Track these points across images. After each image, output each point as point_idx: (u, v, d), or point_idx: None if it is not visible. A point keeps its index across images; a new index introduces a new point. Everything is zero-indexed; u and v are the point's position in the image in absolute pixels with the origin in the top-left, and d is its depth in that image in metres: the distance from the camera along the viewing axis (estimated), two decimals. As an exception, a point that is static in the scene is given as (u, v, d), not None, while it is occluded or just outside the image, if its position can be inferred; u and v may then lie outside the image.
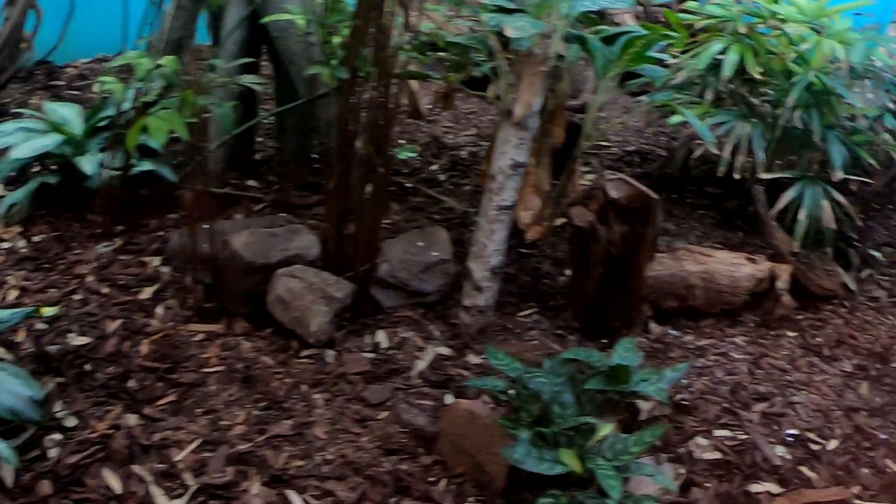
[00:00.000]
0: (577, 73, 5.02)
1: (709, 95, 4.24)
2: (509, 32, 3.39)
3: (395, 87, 3.62)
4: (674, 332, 3.93)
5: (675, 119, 4.30)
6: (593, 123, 3.94)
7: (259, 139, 4.93)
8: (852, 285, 4.40)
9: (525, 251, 4.11)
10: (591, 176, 4.71)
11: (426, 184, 4.57)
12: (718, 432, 3.44)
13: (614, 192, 3.62)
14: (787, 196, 4.12)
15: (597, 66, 3.82)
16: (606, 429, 3.01)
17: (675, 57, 4.49)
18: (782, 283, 4.00)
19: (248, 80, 3.76)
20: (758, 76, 4.10)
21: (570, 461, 2.85)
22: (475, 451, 3.06)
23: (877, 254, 4.70)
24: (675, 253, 4.01)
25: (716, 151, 3.97)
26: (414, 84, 4.86)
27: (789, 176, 4.19)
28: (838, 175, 4.11)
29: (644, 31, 3.86)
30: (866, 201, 4.84)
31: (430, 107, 5.41)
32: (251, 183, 4.49)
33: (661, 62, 4.19)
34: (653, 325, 3.94)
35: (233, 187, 4.38)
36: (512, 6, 3.62)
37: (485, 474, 3.03)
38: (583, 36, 3.82)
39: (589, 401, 3.18)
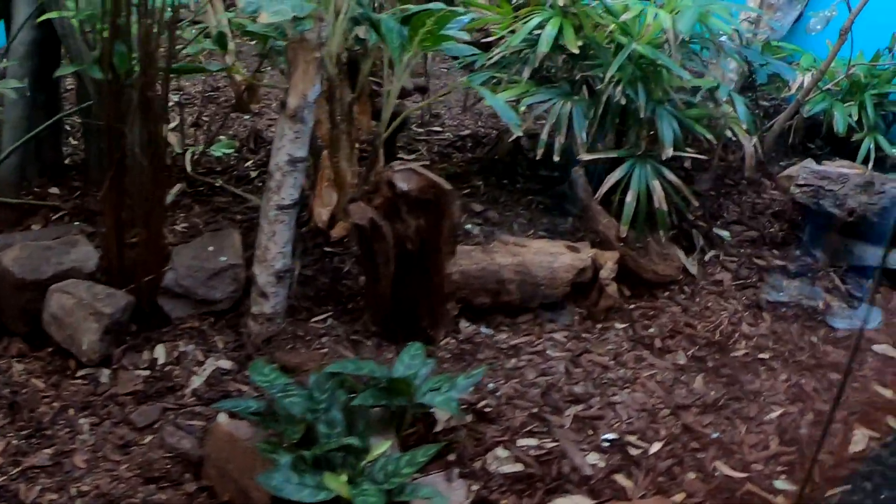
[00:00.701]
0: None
1: (526, 73, 3.94)
2: (263, 18, 3.12)
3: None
4: (487, 331, 3.65)
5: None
6: (391, 109, 3.67)
7: (74, 143, 4.64)
8: (693, 269, 4.11)
9: (330, 250, 3.81)
10: (419, 164, 4.42)
11: (237, 181, 4.27)
12: (522, 441, 3.16)
13: (403, 184, 3.33)
14: (613, 177, 3.84)
15: (391, 50, 3.54)
16: (381, 448, 2.77)
17: (495, 34, 4.21)
18: (606, 271, 3.72)
19: (7, 85, 3.48)
20: (575, 50, 3.82)
21: (334, 486, 2.60)
22: (239, 476, 2.82)
23: (724, 233, 4.40)
24: (487, 245, 3.74)
25: (520, 134, 3.69)
26: (239, 76, 4.58)
27: (615, 156, 3.91)
28: (668, 152, 3.83)
29: (445, 7, 3.59)
30: (718, 178, 4.56)
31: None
32: (54, 190, 4.19)
33: (474, 42, 3.92)
34: (465, 324, 3.66)
35: (34, 195, 4.09)
36: (287, -13, 3.34)
37: (250, 502, 2.78)
38: (371, 16, 3.55)
39: (363, 417, 2.93)
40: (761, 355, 3.77)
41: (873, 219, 4.32)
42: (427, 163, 4.43)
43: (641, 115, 3.81)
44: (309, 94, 3.28)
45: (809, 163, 4.60)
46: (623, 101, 3.81)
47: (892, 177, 4.80)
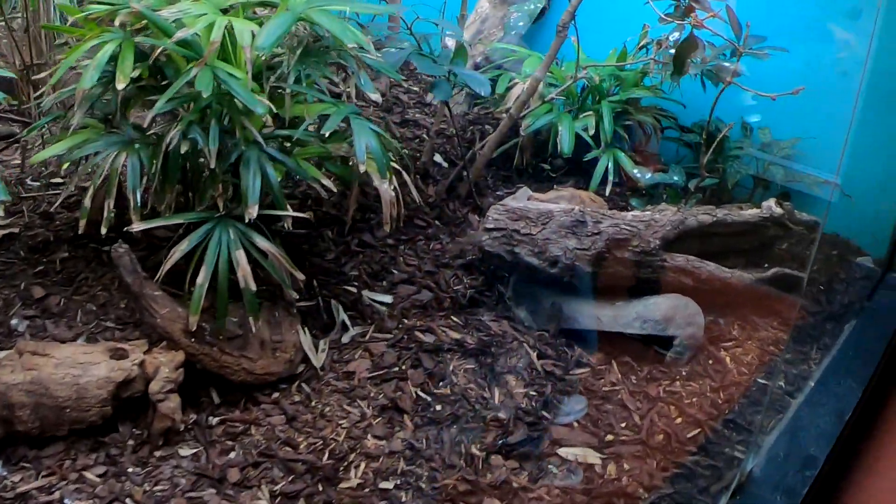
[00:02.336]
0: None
1: (77, 118, 2.97)
2: None
3: None
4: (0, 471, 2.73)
5: (39, 156, 3.11)
6: None
7: None
8: (318, 359, 3.12)
9: None
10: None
11: None
12: None
13: None
14: (179, 250, 2.87)
15: None
16: None
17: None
18: (159, 383, 2.77)
19: None
20: (121, 84, 2.85)
21: None
22: None
23: (385, 299, 3.36)
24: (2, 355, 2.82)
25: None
26: None
27: (180, 221, 2.95)
28: (251, 212, 2.86)
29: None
30: (399, 225, 3.51)
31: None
32: None
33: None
34: (-29, 462, 2.75)
35: None
36: None
37: None
38: None
39: None
40: (385, 484, 2.79)
41: (585, 269, 3.32)
42: (16, 230, 3.50)
43: (212, 165, 2.84)
44: None
45: (524, 193, 3.60)
46: (184, 148, 2.85)
47: (637, 205, 3.77)
